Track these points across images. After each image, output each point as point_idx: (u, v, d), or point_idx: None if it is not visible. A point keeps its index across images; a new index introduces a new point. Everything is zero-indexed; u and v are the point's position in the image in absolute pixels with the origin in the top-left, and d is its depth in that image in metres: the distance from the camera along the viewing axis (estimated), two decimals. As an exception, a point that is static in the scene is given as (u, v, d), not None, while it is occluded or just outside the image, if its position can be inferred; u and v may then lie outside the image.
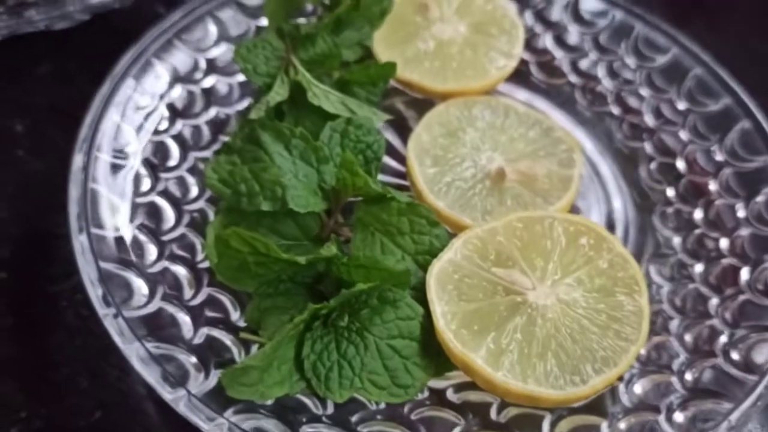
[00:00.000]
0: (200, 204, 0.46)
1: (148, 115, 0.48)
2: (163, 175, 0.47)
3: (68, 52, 0.58)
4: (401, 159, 0.52)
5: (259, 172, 0.41)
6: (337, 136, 0.45)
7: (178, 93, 0.51)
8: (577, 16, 0.60)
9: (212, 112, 0.52)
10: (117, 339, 0.36)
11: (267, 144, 0.43)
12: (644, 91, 0.56)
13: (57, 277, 0.46)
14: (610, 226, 0.50)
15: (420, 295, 0.40)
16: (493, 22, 0.56)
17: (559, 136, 0.51)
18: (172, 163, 0.48)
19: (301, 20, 0.57)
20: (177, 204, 0.46)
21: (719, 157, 0.52)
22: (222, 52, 0.54)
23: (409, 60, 0.54)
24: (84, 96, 0.55)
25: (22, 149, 0.53)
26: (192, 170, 0.48)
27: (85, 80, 0.57)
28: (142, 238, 0.43)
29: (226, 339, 0.40)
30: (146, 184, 0.46)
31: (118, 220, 0.43)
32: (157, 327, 0.38)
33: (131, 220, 0.43)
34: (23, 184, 0.51)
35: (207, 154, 0.49)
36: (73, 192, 0.42)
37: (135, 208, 0.44)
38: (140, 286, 0.40)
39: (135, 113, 0.48)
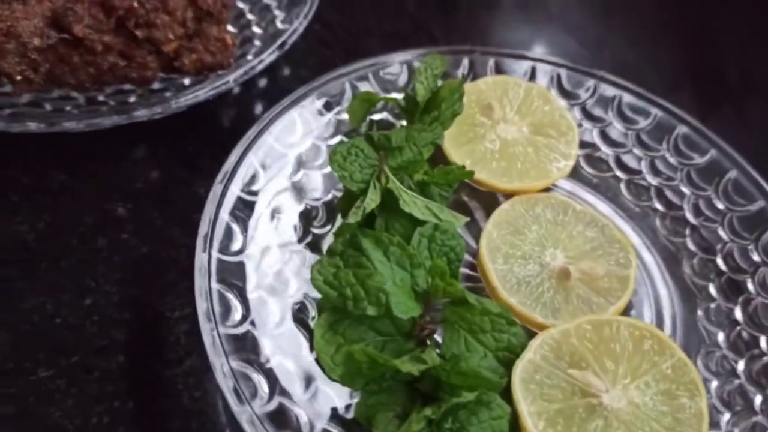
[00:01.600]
0: (300, 297, 0.51)
1: (250, 211, 0.54)
2: (266, 269, 0.52)
3: (160, 136, 0.63)
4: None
5: (363, 278, 0.47)
6: (426, 240, 0.51)
7: (273, 188, 0.56)
8: (621, 113, 0.66)
9: (302, 205, 0.57)
10: (251, 434, 0.42)
11: (368, 251, 0.48)
12: (685, 189, 0.62)
13: (171, 361, 0.51)
14: (660, 319, 0.56)
15: (502, 390, 0.46)
16: (551, 124, 0.62)
17: (614, 235, 0.57)
18: (271, 258, 0.53)
19: (376, 116, 0.63)
20: (281, 299, 0.51)
21: (756, 257, 0.57)
22: (308, 147, 0.60)
23: (478, 160, 0.60)
24: (177, 179, 0.61)
25: (126, 233, 0.57)
26: (290, 264, 0.53)
27: (178, 164, 0.62)
28: (255, 333, 0.48)
29: (335, 430, 0.45)
30: (252, 280, 0.51)
31: (235, 316, 0.48)
32: (281, 423, 0.43)
33: (246, 316, 0.48)
34: (131, 268, 0.55)
35: (301, 247, 0.54)
36: (201, 289, 0.47)
37: (247, 304, 0.49)
38: (260, 381, 0.45)
39: (240, 211, 0.53)
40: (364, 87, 0.64)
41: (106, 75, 0.60)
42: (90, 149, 0.62)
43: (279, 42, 0.66)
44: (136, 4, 0.59)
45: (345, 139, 0.62)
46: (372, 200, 0.52)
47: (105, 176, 0.61)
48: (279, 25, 0.70)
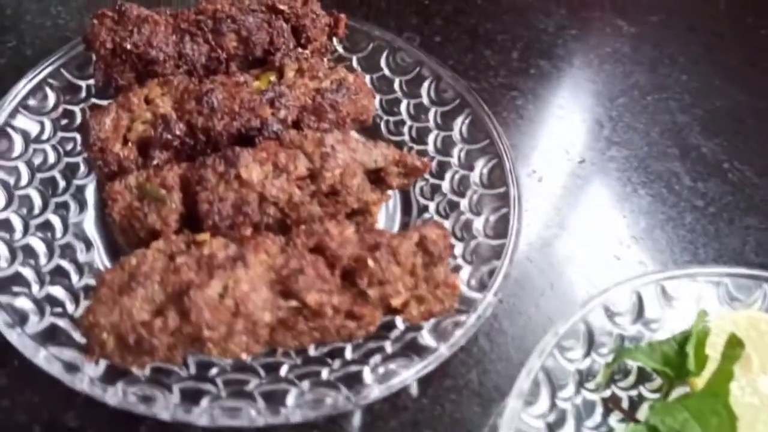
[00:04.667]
0: None
1: None
2: None
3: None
4: None
5: None
6: None
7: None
8: None
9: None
10: None
11: None
12: None
13: None
14: None
15: None
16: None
17: None
18: None
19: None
20: None
21: None
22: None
23: (745, 426, 0.53)
24: None
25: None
26: None
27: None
28: None
29: None
30: None
31: None
32: None
33: None
34: None
35: None
36: None
37: None
38: None
39: None
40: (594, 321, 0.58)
41: (330, 337, 0.53)
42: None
43: (504, 266, 0.59)
44: (371, 262, 0.52)
45: (588, 395, 0.56)
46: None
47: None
48: (481, 238, 0.63)
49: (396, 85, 0.75)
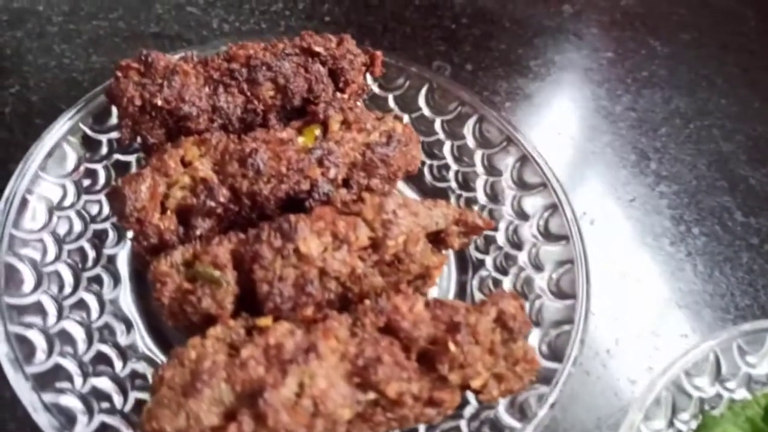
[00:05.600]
0: None
1: None
2: None
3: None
4: None
5: None
6: None
7: None
8: None
9: None
10: None
11: None
12: None
13: None
14: None
15: None
16: None
17: None
18: None
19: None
20: None
21: None
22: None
23: None
24: None
25: None
26: None
27: None
28: None
29: None
30: None
31: None
32: None
33: None
34: None
35: None
36: None
37: None
38: None
39: None
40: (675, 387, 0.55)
41: (408, 424, 0.49)
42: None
43: (579, 332, 0.56)
44: (453, 347, 0.48)
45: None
46: None
47: None
48: (546, 298, 0.60)
49: (437, 126, 0.70)
